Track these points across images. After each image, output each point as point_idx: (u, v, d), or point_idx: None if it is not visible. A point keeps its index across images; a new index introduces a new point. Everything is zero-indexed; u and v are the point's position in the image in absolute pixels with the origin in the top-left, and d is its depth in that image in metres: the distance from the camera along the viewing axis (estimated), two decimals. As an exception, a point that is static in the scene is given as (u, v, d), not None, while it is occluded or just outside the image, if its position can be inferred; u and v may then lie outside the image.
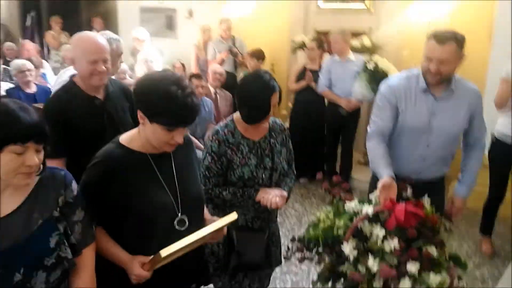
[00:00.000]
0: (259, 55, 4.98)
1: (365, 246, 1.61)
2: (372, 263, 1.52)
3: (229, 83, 4.94)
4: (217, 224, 1.56)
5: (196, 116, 1.52)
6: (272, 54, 5.79)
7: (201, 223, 1.67)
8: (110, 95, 2.21)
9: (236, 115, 2.08)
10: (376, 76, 4.26)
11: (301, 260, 1.56)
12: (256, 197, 2.02)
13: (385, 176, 2.01)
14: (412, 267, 1.53)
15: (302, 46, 5.28)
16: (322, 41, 4.91)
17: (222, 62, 5.52)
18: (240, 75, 5.72)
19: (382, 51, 4.86)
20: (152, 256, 1.46)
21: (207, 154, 2.02)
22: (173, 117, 1.46)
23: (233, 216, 1.60)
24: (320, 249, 1.71)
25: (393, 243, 1.58)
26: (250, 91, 1.98)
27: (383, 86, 2.35)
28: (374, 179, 2.30)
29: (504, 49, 3.94)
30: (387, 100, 2.27)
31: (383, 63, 4.35)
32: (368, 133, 2.35)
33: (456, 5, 4.56)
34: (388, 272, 1.49)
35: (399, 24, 4.92)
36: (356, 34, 4.95)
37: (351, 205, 1.79)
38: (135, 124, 1.64)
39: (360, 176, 4.74)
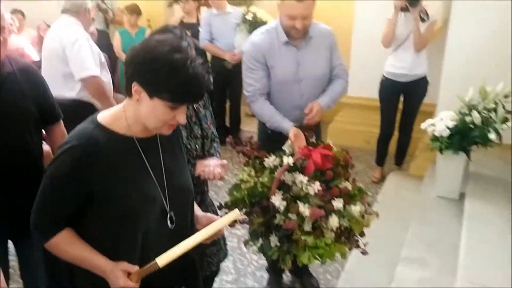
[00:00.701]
0: (134, 10, 4.70)
1: (291, 195, 1.73)
2: (303, 208, 1.65)
3: (101, 42, 4.59)
4: (218, 224, 1.36)
5: (205, 92, 1.28)
6: (147, 8, 5.50)
7: (190, 220, 1.46)
8: (6, 77, 1.73)
9: None
10: (256, 26, 4.35)
11: (232, 225, 1.52)
12: (195, 171, 1.82)
13: (290, 128, 2.17)
14: (338, 203, 1.69)
15: (177, -1, 5.11)
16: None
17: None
18: (114, 33, 5.34)
19: (259, 2, 4.94)
20: (147, 266, 1.25)
21: None
22: (180, 92, 1.20)
23: (235, 214, 1.38)
24: (248, 209, 1.78)
25: (315, 186, 1.72)
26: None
27: (247, 46, 2.37)
28: (263, 131, 2.44)
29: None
30: (255, 60, 2.30)
31: (261, 13, 4.47)
32: (248, 97, 2.35)
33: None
34: (318, 212, 1.63)
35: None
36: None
37: (270, 160, 1.89)
38: (39, 112, 1.44)
39: (249, 128, 4.90)
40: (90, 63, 2.72)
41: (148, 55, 1.20)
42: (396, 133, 4.08)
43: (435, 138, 2.89)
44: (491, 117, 2.74)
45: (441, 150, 2.88)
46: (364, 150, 4.63)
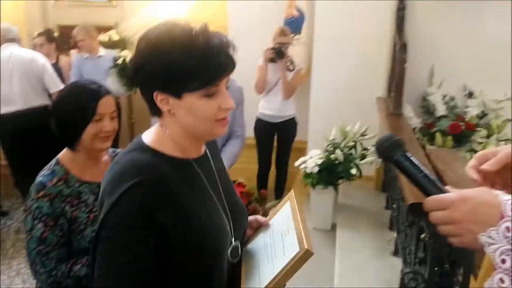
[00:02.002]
0: None
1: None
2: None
3: None
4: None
5: (234, 60, 1.01)
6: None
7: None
8: None
9: (61, 153, 1.56)
10: (125, 71, 4.38)
11: None
12: None
13: None
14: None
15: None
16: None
17: None
18: None
19: (133, 45, 4.92)
20: None
21: (36, 221, 1.44)
22: (205, 68, 0.95)
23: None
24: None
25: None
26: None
27: None
28: None
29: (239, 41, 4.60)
30: None
31: (134, 57, 4.47)
32: None
33: (193, 3, 4.97)
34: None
35: (144, 18, 5.04)
36: (105, 29, 4.85)
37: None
38: None
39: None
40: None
41: (150, 56, 0.97)
42: (274, 169, 4.31)
43: (306, 175, 3.14)
44: (351, 154, 3.07)
45: (313, 185, 3.13)
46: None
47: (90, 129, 1.46)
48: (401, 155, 0.84)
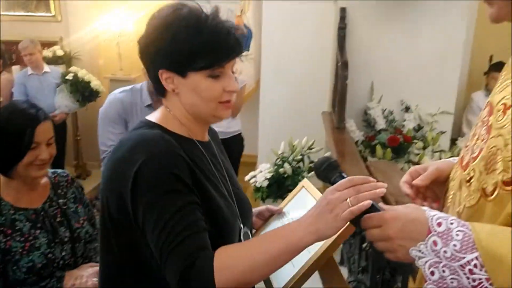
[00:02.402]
0: None
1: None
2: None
3: None
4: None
5: (241, 44, 1.03)
6: None
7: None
8: None
9: None
10: (78, 86, 4.30)
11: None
12: (64, 286, 1.46)
13: None
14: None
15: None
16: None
17: None
18: None
19: (78, 60, 4.84)
20: None
21: None
22: (212, 48, 0.96)
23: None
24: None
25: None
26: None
27: (107, 102, 2.37)
28: None
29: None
30: (117, 113, 2.32)
31: (82, 73, 4.40)
32: (107, 154, 2.27)
33: (140, 17, 4.96)
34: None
35: (90, 33, 4.97)
36: (48, 44, 4.73)
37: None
38: None
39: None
40: None
41: (158, 34, 0.99)
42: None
43: (257, 189, 3.21)
44: (299, 167, 3.17)
45: (263, 199, 3.20)
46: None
47: (26, 158, 1.41)
48: (338, 176, 0.92)
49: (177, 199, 0.90)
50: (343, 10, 3.32)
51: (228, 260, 0.86)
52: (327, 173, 0.94)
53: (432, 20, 3.30)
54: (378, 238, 0.81)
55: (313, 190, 1.20)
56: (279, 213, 1.23)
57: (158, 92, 1.05)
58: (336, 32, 3.41)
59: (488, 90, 4.00)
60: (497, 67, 3.95)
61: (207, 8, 1.00)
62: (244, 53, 3.86)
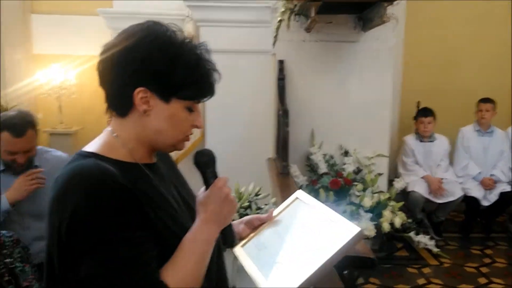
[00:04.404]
0: None
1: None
2: None
3: None
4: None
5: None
6: None
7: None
8: None
9: None
10: None
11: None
12: None
13: None
14: None
15: None
16: None
17: None
18: None
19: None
20: None
21: None
22: (203, 82, 0.99)
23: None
24: None
25: None
26: None
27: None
28: None
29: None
30: None
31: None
32: None
33: (81, 70, 4.94)
34: None
35: (28, 86, 4.88)
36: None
37: None
38: None
39: None
40: None
41: (155, 49, 0.94)
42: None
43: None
44: (247, 214, 3.21)
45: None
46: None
47: None
48: (211, 171, 1.06)
49: (119, 241, 0.87)
50: (281, 63, 3.52)
51: (178, 277, 0.93)
52: (207, 165, 1.06)
53: (362, 73, 3.58)
54: None
55: (310, 200, 1.21)
56: (272, 222, 1.23)
57: (119, 110, 0.99)
58: (276, 83, 3.59)
59: (418, 134, 4.32)
60: (424, 112, 4.30)
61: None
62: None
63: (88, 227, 0.86)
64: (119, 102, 0.98)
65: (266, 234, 1.19)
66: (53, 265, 0.93)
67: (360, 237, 1.01)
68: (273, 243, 1.14)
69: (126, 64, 0.94)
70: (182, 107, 0.98)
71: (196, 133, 4.23)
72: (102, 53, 0.98)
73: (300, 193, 1.26)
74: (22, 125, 2.02)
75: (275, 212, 1.25)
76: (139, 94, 0.94)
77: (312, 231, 1.09)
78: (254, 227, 1.24)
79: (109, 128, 1.02)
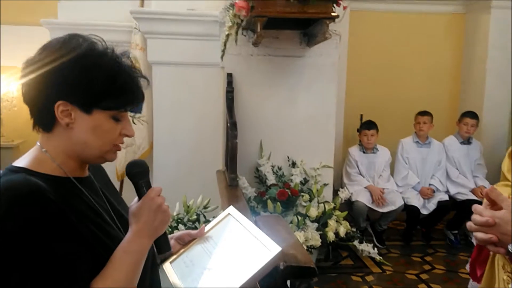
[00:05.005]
0: None
1: None
2: None
3: None
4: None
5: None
6: None
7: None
8: None
9: None
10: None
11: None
12: None
13: None
14: None
15: None
16: None
17: None
18: None
19: None
20: None
21: None
22: (125, 92, 0.99)
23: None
24: None
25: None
26: None
27: None
28: None
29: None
30: None
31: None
32: None
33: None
34: None
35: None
36: None
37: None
38: None
39: None
40: None
41: (73, 61, 0.95)
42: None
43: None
44: (195, 227, 3.20)
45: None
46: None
47: None
48: (145, 182, 1.07)
49: (47, 257, 0.88)
50: (229, 75, 3.57)
51: None
52: (139, 176, 1.07)
53: (308, 86, 3.69)
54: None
55: (240, 217, 1.25)
56: (203, 238, 1.25)
57: (44, 125, 1.00)
58: (224, 95, 3.63)
59: (362, 145, 4.50)
60: (368, 125, 4.49)
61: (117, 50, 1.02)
62: (137, 116, 3.91)
63: (15, 242, 0.86)
64: (42, 117, 0.99)
65: (194, 251, 1.22)
66: None
67: (280, 257, 1.06)
68: (200, 260, 1.17)
69: (45, 79, 0.95)
70: (106, 117, 0.99)
71: (144, 145, 4.18)
72: (23, 69, 0.98)
73: (231, 209, 1.30)
74: None
75: (207, 228, 1.28)
76: (59, 107, 0.95)
77: (237, 249, 1.14)
78: (185, 243, 1.26)
79: (38, 144, 1.02)
